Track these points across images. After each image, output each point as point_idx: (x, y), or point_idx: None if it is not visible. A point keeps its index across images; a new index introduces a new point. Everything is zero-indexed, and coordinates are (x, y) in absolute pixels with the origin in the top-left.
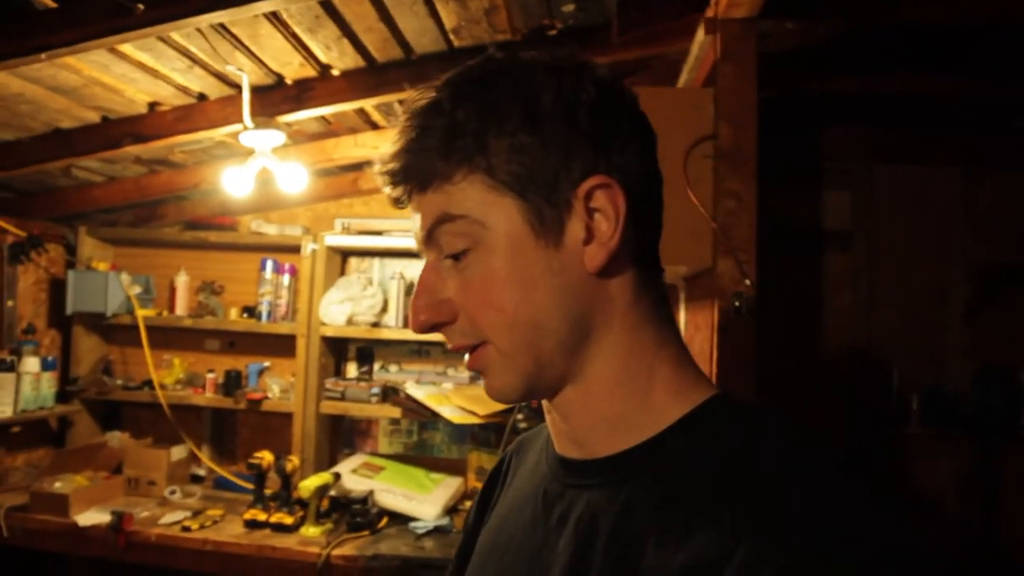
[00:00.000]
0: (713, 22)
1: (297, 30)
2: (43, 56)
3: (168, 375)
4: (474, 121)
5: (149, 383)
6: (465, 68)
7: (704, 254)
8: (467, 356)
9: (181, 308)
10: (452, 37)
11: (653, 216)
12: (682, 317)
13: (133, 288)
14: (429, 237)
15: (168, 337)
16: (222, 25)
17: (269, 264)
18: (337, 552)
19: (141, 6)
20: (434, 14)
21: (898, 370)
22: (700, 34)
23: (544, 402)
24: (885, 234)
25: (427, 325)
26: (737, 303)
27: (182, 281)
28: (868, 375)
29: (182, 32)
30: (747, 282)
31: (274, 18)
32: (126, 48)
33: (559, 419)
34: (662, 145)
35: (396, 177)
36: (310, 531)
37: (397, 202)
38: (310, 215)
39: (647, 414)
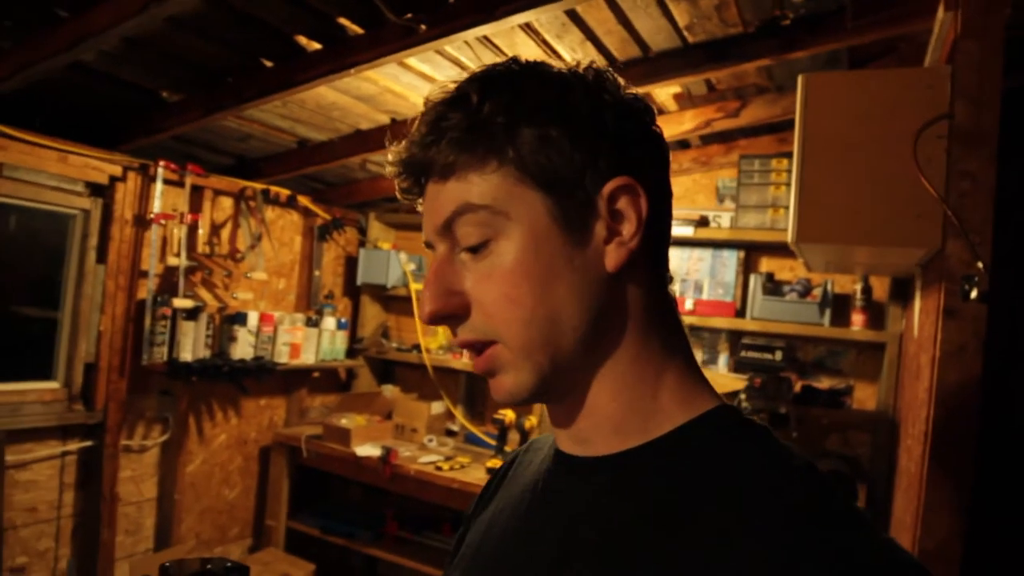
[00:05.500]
0: None
1: (547, 37)
2: (352, 71)
3: (433, 341)
4: (503, 114)
5: (417, 347)
6: (489, 67)
7: (933, 236)
8: (474, 358)
9: None
10: (686, 34)
11: (665, 226)
12: (916, 306)
13: (409, 265)
14: (446, 227)
15: None
16: (486, 37)
17: None
18: None
19: (424, 27)
20: (667, 14)
21: None
22: (940, 12)
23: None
24: None
25: (437, 316)
26: (967, 286)
27: None
28: None
29: (454, 45)
30: (979, 264)
31: (528, 28)
32: (411, 61)
33: (562, 418)
34: (890, 127)
35: (413, 166)
36: None
37: (406, 192)
38: None
39: (651, 418)
